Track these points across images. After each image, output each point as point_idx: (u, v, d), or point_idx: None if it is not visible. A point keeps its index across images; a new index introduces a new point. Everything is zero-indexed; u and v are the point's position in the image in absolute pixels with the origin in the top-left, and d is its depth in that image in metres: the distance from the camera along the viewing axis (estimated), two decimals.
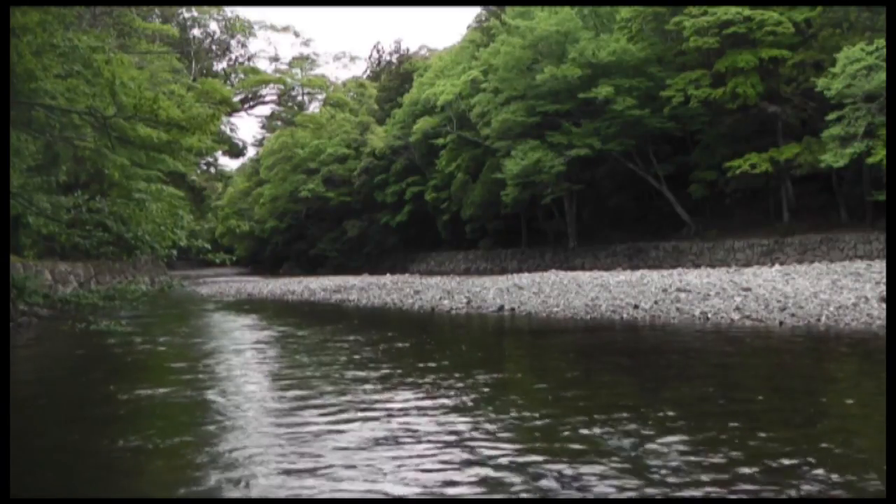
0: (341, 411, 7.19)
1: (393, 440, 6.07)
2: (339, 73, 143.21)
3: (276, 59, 49.13)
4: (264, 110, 54.28)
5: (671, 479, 4.92)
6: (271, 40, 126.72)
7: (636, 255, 34.33)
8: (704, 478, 4.95)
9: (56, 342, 14.01)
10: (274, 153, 60.75)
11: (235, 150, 51.34)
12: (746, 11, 28.50)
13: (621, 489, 4.78)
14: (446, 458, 5.53)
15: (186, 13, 40.06)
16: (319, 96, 47.58)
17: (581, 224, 38.64)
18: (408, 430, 6.39)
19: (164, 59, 30.42)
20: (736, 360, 10.21)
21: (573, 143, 33.10)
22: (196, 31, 41.91)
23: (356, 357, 11.08)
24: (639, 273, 23.98)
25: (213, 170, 51.50)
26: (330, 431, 6.40)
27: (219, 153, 44.65)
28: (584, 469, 5.16)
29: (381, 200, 52.58)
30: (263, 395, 8.20)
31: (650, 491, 4.74)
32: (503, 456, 5.55)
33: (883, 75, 22.13)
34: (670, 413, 6.82)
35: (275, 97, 44.99)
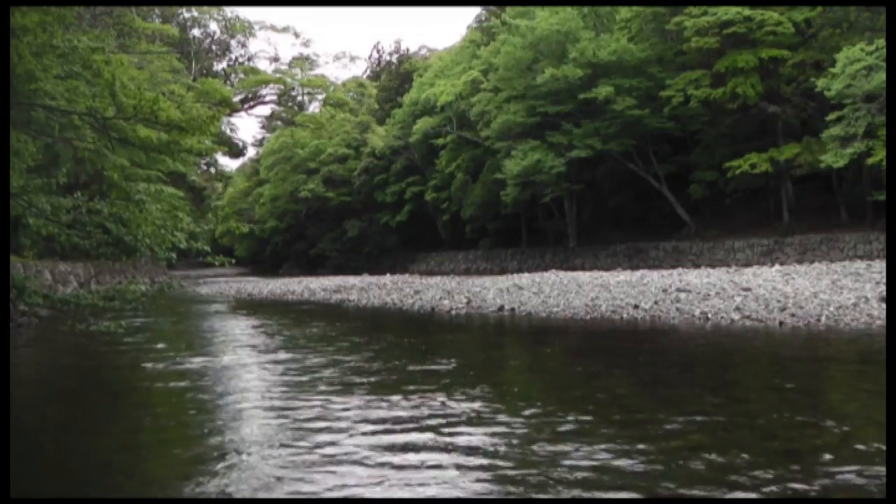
0: (342, 410, 7.19)
1: (392, 439, 6.06)
2: (339, 73, 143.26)
3: (276, 59, 49.02)
4: (264, 110, 54.29)
5: (671, 479, 4.92)
6: (271, 40, 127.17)
7: (636, 255, 34.32)
8: (704, 478, 4.95)
9: (56, 342, 14.02)
10: (274, 153, 60.74)
11: (235, 150, 51.30)
12: (746, 11, 28.49)
13: (621, 489, 4.78)
14: (445, 456, 5.53)
15: (186, 13, 39.98)
16: (319, 96, 47.45)
17: (581, 224, 38.63)
18: (407, 428, 6.39)
19: (164, 59, 30.34)
20: (736, 360, 10.22)
21: (573, 144, 33.09)
22: (196, 31, 41.84)
23: (357, 357, 11.08)
24: (639, 273, 23.98)
25: (213, 170, 51.47)
26: (330, 430, 6.40)
27: (219, 153, 44.61)
28: (583, 469, 5.16)
29: (381, 200, 52.59)
30: (264, 395, 8.19)
31: (649, 491, 4.74)
32: (502, 456, 5.55)
33: (883, 75, 22.13)
34: (670, 413, 6.82)
35: (275, 97, 44.89)
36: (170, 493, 5.07)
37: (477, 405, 7.32)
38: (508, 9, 40.69)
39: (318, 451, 5.80)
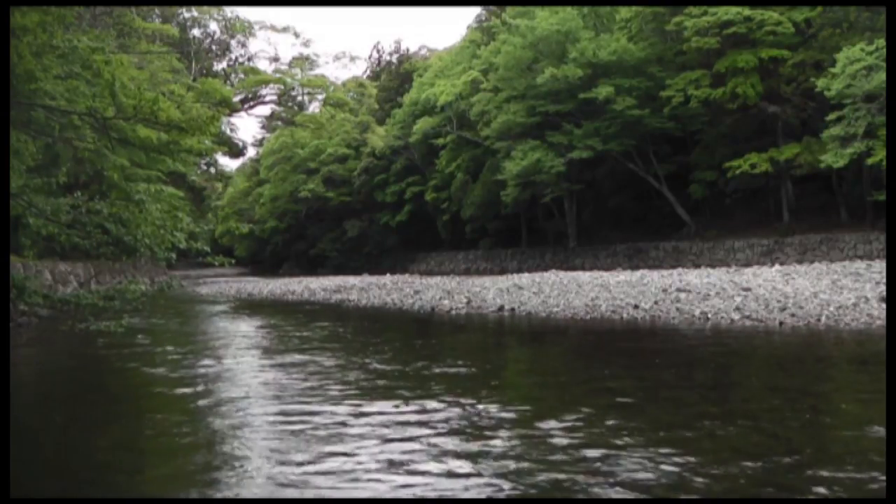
0: (342, 409, 7.18)
1: (392, 439, 6.06)
2: (339, 73, 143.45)
3: (276, 59, 49.11)
4: (264, 110, 54.29)
5: (671, 479, 4.92)
6: (271, 40, 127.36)
7: (636, 255, 34.32)
8: (704, 478, 4.95)
9: (56, 342, 14.01)
10: (274, 153, 60.75)
11: (235, 150, 51.31)
12: (746, 11, 28.49)
13: (621, 489, 4.78)
14: (445, 457, 5.53)
15: (186, 13, 40.00)
16: (319, 96, 47.48)
17: (581, 224, 38.63)
18: (407, 429, 6.39)
19: (164, 59, 30.34)
20: (736, 360, 10.21)
21: (573, 144, 33.09)
22: (196, 31, 41.87)
23: (357, 356, 11.07)
24: (639, 273, 23.98)
25: (213, 170, 51.46)
26: (331, 430, 6.39)
27: (219, 153, 44.63)
28: (583, 469, 5.16)
29: (381, 200, 52.60)
30: (264, 395, 8.19)
31: (649, 491, 4.73)
32: (502, 456, 5.55)
33: (883, 75, 22.13)
34: (670, 413, 6.83)
35: (275, 97, 44.93)
36: (170, 494, 5.06)
37: (475, 405, 7.31)
38: (508, 9, 40.70)
39: (320, 452, 5.79)
